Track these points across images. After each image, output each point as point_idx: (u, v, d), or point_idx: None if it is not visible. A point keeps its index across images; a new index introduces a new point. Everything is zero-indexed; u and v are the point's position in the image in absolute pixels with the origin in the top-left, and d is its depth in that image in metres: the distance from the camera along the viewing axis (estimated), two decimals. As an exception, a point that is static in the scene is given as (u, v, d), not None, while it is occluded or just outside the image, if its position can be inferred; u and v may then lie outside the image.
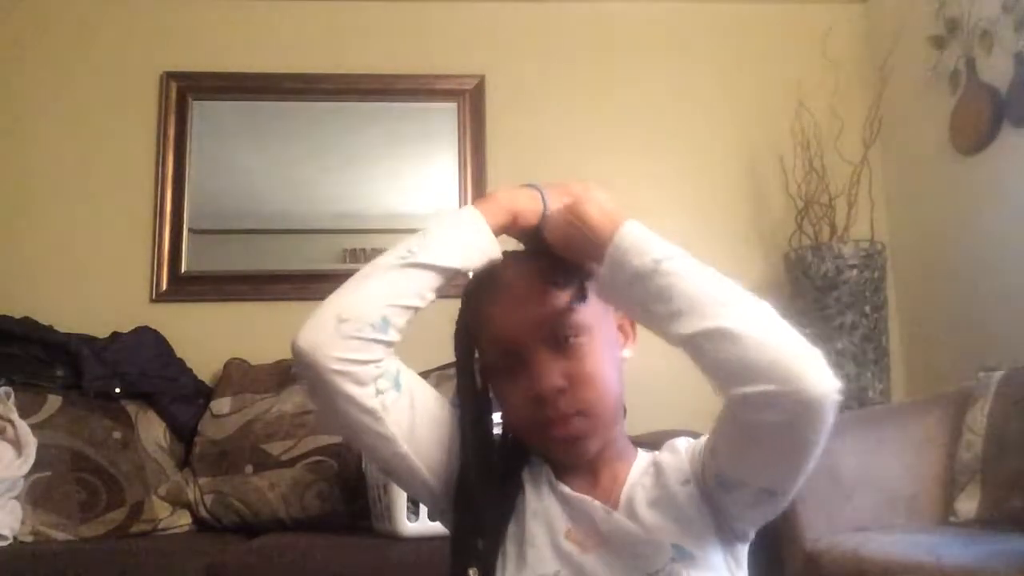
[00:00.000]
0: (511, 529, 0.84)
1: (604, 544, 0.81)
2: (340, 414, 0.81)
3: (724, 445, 0.78)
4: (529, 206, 0.88)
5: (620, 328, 0.90)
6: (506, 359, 0.84)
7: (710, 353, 0.72)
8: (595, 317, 0.85)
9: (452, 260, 0.82)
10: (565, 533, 0.83)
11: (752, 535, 0.85)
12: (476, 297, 0.87)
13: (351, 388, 0.79)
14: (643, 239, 0.77)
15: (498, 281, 0.85)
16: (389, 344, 0.81)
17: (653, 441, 0.96)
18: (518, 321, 0.83)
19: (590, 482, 0.87)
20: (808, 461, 0.73)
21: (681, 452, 0.87)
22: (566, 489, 0.85)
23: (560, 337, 0.82)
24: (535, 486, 0.87)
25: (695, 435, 0.88)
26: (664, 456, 0.88)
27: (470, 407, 0.87)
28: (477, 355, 0.89)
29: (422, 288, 0.81)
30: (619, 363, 0.88)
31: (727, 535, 0.83)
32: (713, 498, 0.82)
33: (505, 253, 0.88)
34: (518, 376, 0.83)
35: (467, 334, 0.88)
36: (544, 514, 0.84)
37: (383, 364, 0.81)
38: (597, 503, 0.83)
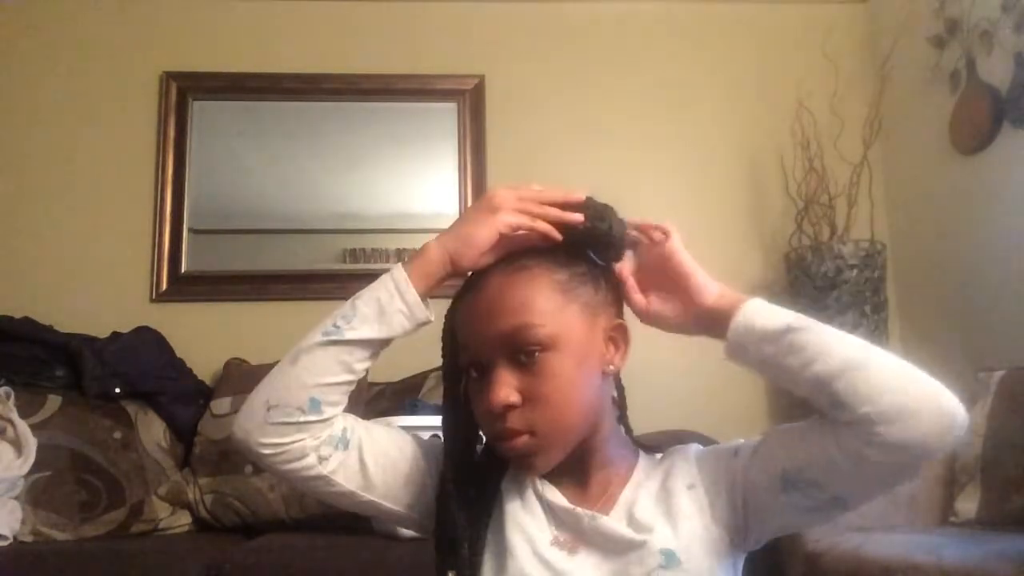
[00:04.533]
0: (490, 538, 0.82)
1: (591, 548, 0.81)
2: (292, 484, 0.85)
3: (814, 452, 0.77)
4: (462, 242, 0.84)
5: (611, 340, 0.86)
6: (473, 368, 0.83)
7: (845, 382, 0.73)
8: (571, 329, 0.82)
9: (373, 332, 0.83)
10: (551, 540, 0.82)
11: (760, 545, 0.84)
12: (457, 302, 0.86)
13: (289, 466, 0.82)
14: (765, 308, 0.81)
15: (474, 288, 0.84)
16: (327, 419, 0.82)
17: (654, 441, 0.95)
18: (481, 333, 0.81)
19: (578, 488, 0.85)
20: (904, 482, 0.77)
21: (691, 458, 0.86)
22: (552, 498, 0.84)
23: (522, 352, 0.80)
24: (519, 494, 0.86)
25: (703, 440, 0.88)
26: (673, 461, 0.87)
27: (452, 409, 0.87)
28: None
29: (349, 363, 0.83)
30: (596, 377, 0.84)
31: (736, 542, 0.82)
32: (752, 498, 0.81)
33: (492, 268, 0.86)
34: (481, 386, 0.82)
35: (452, 336, 0.87)
36: (526, 524, 0.83)
37: (323, 434, 0.82)
38: (580, 510, 0.82)
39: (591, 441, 0.85)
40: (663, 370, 2.55)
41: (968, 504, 1.82)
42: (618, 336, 0.86)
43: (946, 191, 2.58)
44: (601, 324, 0.85)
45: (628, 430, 0.93)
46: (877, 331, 2.50)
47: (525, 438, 0.80)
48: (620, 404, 0.92)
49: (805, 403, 0.79)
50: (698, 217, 2.73)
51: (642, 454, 0.90)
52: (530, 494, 0.85)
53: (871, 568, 1.57)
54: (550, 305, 0.81)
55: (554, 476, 0.86)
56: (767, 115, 2.81)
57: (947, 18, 2.53)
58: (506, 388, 0.79)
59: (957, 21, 2.49)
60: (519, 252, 0.85)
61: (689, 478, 0.84)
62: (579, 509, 0.83)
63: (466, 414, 0.86)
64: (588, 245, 0.86)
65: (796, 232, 2.66)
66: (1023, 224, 2.27)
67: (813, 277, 2.51)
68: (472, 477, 0.85)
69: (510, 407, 0.79)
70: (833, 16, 2.89)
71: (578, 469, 0.85)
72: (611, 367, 0.86)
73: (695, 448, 0.88)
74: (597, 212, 0.85)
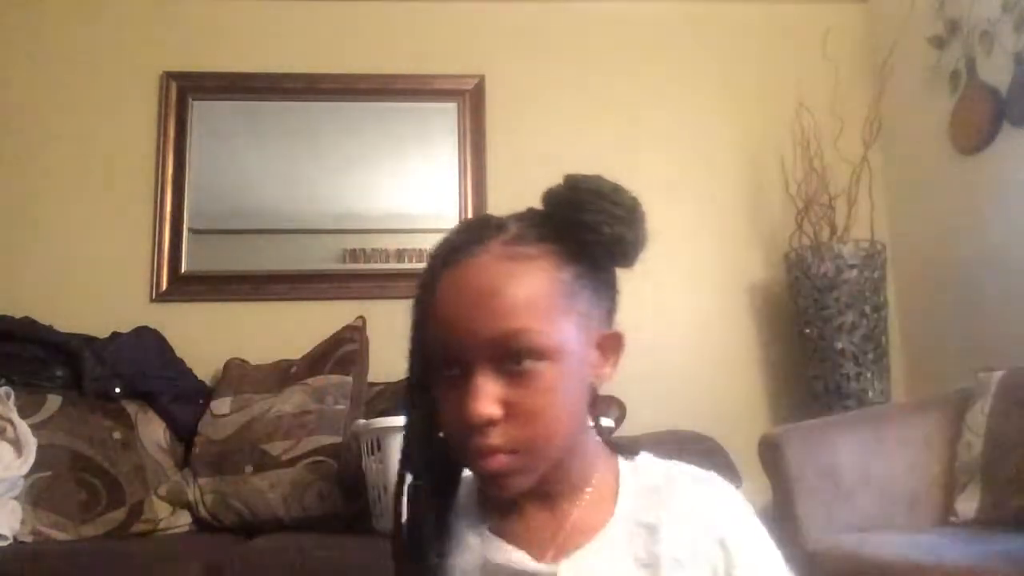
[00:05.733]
0: None
1: None
2: None
3: None
4: None
5: (599, 347, 0.75)
6: (446, 363, 0.71)
7: None
8: (568, 339, 0.71)
9: None
10: None
11: None
12: (435, 274, 0.72)
13: None
14: None
15: (461, 264, 0.71)
16: None
17: (653, 441, 0.93)
18: (468, 328, 0.69)
19: (533, 517, 0.75)
20: None
21: (717, 537, 0.72)
22: (498, 559, 0.74)
23: (512, 359, 0.68)
24: (459, 537, 0.77)
25: (703, 439, 0.80)
26: (666, 516, 0.73)
27: (417, 401, 0.74)
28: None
29: None
30: (584, 392, 0.74)
31: None
32: None
33: (491, 223, 0.74)
34: (455, 387, 0.70)
35: (423, 313, 0.73)
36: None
37: None
38: (526, 565, 0.72)
39: (564, 460, 0.74)
40: (663, 370, 2.55)
41: (968, 504, 1.82)
42: (610, 346, 0.76)
43: (946, 191, 2.58)
44: (594, 332, 0.74)
45: (601, 432, 0.80)
46: (877, 331, 2.50)
47: (505, 457, 0.69)
48: (594, 409, 0.78)
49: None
50: (698, 217, 2.73)
51: (624, 470, 0.78)
52: (472, 539, 0.76)
53: (871, 568, 1.57)
54: (552, 310, 0.70)
55: (502, 508, 0.77)
56: (767, 115, 2.81)
57: (947, 18, 2.53)
58: (488, 399, 0.68)
59: (957, 21, 2.49)
60: (511, 230, 0.73)
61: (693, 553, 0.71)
62: (525, 561, 0.73)
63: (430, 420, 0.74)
64: (606, 247, 0.73)
65: (796, 232, 2.66)
66: (1023, 224, 2.27)
67: (813, 277, 2.51)
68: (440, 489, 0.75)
69: (492, 422, 0.68)
70: (833, 16, 2.89)
71: (535, 495, 0.74)
72: (598, 379, 0.76)
73: (728, 518, 0.73)
74: (627, 212, 0.74)
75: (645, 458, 0.80)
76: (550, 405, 0.70)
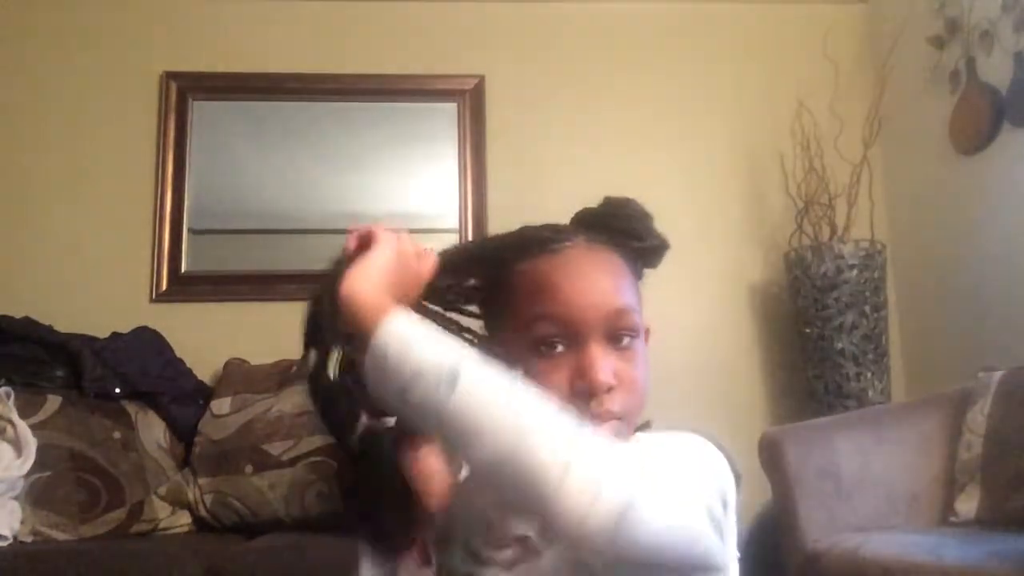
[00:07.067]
0: None
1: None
2: None
3: None
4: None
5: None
6: (556, 340, 0.77)
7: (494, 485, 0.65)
8: (641, 323, 0.81)
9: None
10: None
11: None
12: (533, 262, 0.79)
13: None
14: (404, 342, 0.65)
15: (565, 252, 0.79)
16: None
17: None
18: (587, 303, 0.76)
19: None
20: None
21: None
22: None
23: (619, 334, 0.77)
24: None
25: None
26: None
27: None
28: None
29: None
30: None
31: None
32: None
33: (562, 227, 0.83)
34: (561, 361, 0.76)
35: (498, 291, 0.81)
36: None
37: None
38: None
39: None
40: (662, 369, 2.55)
41: (968, 504, 1.82)
42: (647, 341, 0.85)
43: (946, 191, 2.58)
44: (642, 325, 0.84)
45: None
46: (877, 331, 2.50)
47: (616, 423, 0.76)
48: None
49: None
50: (698, 217, 2.72)
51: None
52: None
53: (871, 568, 1.57)
54: (634, 295, 0.81)
55: None
56: (767, 115, 2.81)
57: (947, 18, 2.53)
58: (608, 368, 0.75)
59: (957, 21, 2.49)
60: (581, 233, 0.81)
61: None
62: None
63: None
64: (648, 253, 0.85)
65: (796, 232, 2.66)
66: (1023, 224, 2.27)
67: (813, 277, 2.51)
68: None
69: (609, 389, 0.75)
70: (833, 16, 2.89)
71: None
72: None
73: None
74: (653, 224, 0.84)
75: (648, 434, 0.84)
76: (644, 378, 0.79)
